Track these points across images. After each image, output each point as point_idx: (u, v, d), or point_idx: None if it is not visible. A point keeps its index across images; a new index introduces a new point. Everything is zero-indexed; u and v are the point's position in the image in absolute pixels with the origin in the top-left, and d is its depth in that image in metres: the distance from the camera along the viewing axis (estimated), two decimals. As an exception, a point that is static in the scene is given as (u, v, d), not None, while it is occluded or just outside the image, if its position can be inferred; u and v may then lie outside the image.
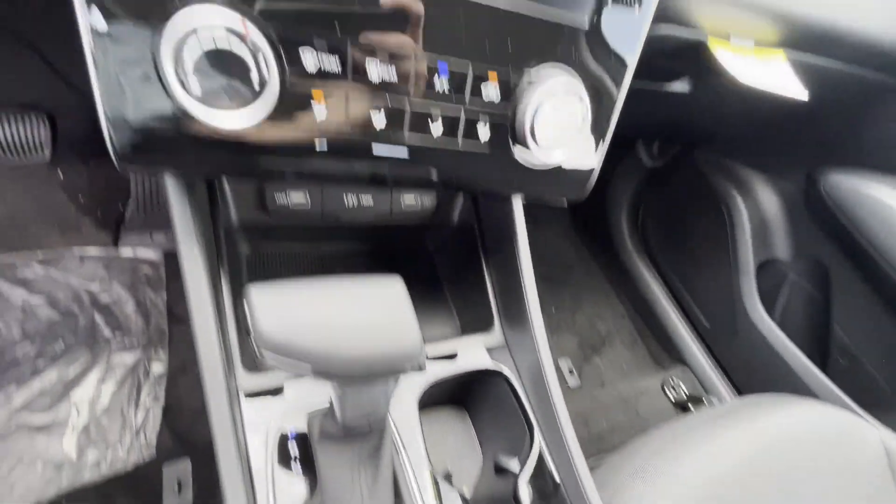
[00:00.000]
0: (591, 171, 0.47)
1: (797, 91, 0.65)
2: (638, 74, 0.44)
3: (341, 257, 0.71)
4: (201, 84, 0.29)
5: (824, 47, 0.71)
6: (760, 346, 1.14)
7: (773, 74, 0.65)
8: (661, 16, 0.43)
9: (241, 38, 0.29)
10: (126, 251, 1.13)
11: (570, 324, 1.42)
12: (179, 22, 0.28)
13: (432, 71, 0.36)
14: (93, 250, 1.10)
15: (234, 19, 0.29)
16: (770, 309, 1.17)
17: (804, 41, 0.68)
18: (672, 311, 1.37)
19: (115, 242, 1.15)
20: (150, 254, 1.14)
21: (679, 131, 1.24)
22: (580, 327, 1.42)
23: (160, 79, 0.29)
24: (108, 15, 0.28)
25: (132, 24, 0.28)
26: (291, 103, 0.33)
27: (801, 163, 1.09)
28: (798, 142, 1.08)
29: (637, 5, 0.40)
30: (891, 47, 0.74)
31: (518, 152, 0.42)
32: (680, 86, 0.77)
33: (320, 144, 0.36)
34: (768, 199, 1.18)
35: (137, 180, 1.14)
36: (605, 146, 0.46)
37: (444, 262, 0.75)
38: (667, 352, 1.37)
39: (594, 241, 1.58)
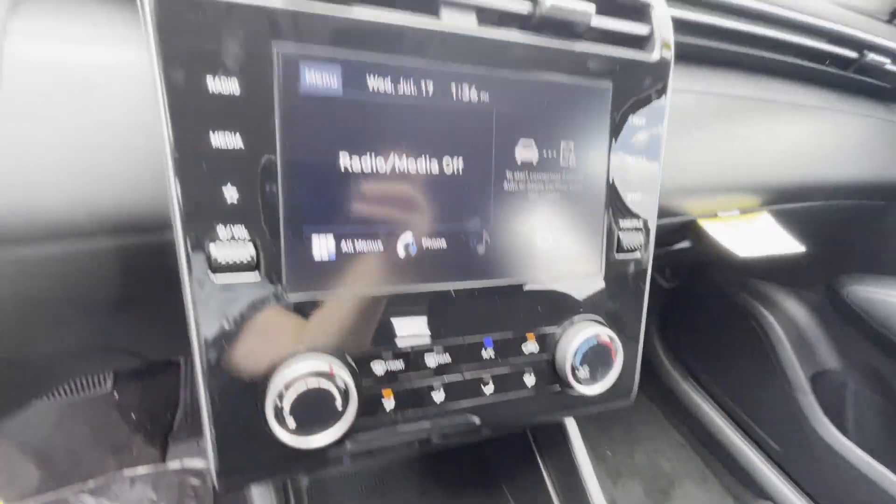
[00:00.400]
0: (632, 383, 0.50)
1: (791, 246, 0.71)
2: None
3: (395, 469, 0.71)
4: (296, 419, 0.34)
5: (801, 197, 0.79)
6: (847, 471, 1.05)
7: (763, 235, 0.71)
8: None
9: (327, 376, 0.35)
10: (174, 464, 1.13)
11: (630, 466, 1.33)
12: (281, 376, 0.34)
13: (479, 346, 0.42)
14: (142, 469, 1.11)
15: (324, 364, 0.35)
16: (841, 425, 1.10)
17: (781, 198, 0.76)
18: (736, 436, 1.28)
19: (164, 454, 1.16)
20: (197, 462, 1.14)
21: (687, 261, 1.30)
22: (642, 468, 1.32)
23: (262, 418, 0.35)
24: (221, 373, 0.34)
25: (243, 379, 0.35)
26: (367, 408, 0.38)
27: (816, 274, 1.12)
28: (807, 256, 1.13)
29: (640, 251, 0.47)
30: (851, 183, 0.82)
31: (562, 389, 0.46)
32: (682, 244, 0.84)
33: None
34: (795, 311, 1.18)
35: (186, 389, 1.19)
36: (638, 366, 0.50)
37: (496, 454, 0.75)
38: (745, 486, 1.25)
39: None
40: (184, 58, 0.30)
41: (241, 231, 0.33)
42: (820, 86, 0.83)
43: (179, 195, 0.31)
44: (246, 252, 0.33)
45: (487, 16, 0.39)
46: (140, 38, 0.37)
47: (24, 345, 0.44)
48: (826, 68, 0.82)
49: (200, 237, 0.32)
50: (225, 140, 0.32)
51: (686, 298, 1.43)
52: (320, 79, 0.33)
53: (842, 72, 0.83)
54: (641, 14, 0.45)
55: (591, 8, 0.40)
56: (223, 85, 0.31)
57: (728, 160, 0.68)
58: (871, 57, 0.80)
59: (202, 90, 0.31)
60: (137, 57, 0.36)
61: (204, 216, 0.32)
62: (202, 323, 0.33)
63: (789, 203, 0.78)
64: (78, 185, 0.35)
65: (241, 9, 0.31)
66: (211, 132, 0.31)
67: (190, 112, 0.31)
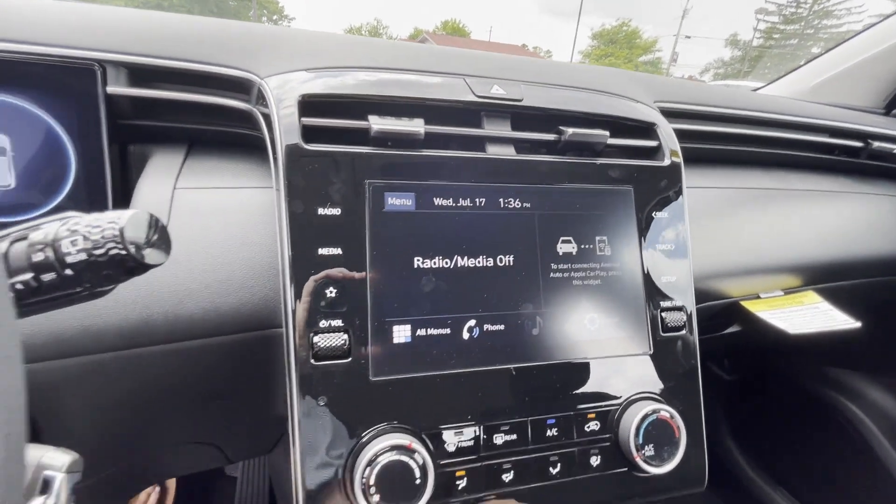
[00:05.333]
0: (702, 466, 0.49)
1: (844, 321, 0.71)
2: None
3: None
4: (380, 491, 0.37)
5: (840, 275, 0.80)
6: None
7: (811, 312, 0.72)
8: (697, 297, 0.54)
9: (407, 450, 0.39)
10: None
11: None
12: (367, 449, 0.38)
13: (543, 424, 0.44)
14: None
15: (405, 440, 0.39)
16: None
17: (820, 277, 0.78)
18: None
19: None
20: None
21: (745, 350, 1.25)
22: None
23: (350, 490, 0.38)
24: (315, 446, 0.39)
25: (333, 452, 0.39)
26: (442, 488, 0.40)
27: (886, 355, 1.05)
28: (880, 338, 1.07)
29: (686, 329, 0.50)
30: (888, 258, 0.82)
31: (629, 470, 0.46)
32: (732, 329, 0.85)
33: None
34: (881, 399, 1.08)
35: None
36: (704, 446, 0.49)
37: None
38: None
39: (715, 487, 1.39)
40: (302, 192, 0.41)
41: (337, 322, 0.40)
42: (836, 173, 0.89)
43: (293, 296, 0.40)
44: (340, 340, 0.40)
45: (523, 145, 0.50)
46: (259, 183, 0.50)
47: (134, 434, 0.50)
48: (837, 157, 0.89)
49: (307, 329, 0.40)
50: (328, 251, 0.41)
51: (754, 393, 1.33)
52: (399, 201, 0.43)
53: (853, 159, 0.90)
54: (649, 132, 0.55)
55: (606, 132, 0.50)
56: (329, 210, 0.41)
57: (757, 244, 0.72)
58: (878, 145, 0.87)
59: (314, 215, 0.41)
60: (257, 195, 0.49)
61: (310, 312, 0.40)
62: (302, 400, 0.39)
63: (832, 282, 0.79)
64: (211, 294, 0.44)
65: (343, 156, 0.42)
66: (318, 246, 0.41)
67: (305, 232, 0.40)
